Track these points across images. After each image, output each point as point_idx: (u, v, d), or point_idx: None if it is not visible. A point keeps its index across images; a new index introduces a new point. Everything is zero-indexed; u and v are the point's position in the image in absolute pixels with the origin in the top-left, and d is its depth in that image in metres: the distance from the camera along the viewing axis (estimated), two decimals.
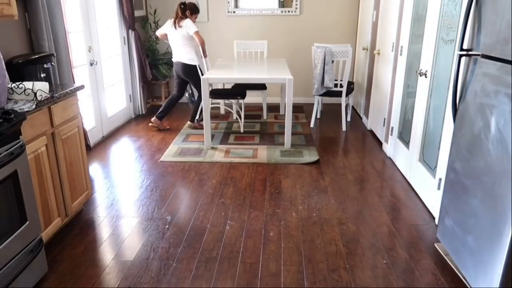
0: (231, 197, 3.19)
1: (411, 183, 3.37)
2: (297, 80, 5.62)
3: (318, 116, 5.44)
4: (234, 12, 5.89)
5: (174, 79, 4.96)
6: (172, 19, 4.60)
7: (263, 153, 4.10)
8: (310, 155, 4.02)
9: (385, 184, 3.42)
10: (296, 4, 5.79)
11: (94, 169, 3.78)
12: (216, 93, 4.69)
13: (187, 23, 4.50)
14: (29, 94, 2.33)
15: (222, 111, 5.61)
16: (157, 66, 5.75)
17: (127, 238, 2.65)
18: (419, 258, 2.42)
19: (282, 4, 5.84)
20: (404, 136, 3.60)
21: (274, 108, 5.82)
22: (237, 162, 3.89)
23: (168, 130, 4.89)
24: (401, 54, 3.68)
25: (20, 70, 2.78)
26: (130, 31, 5.17)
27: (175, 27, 4.56)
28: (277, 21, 5.90)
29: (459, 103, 2.27)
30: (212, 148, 4.27)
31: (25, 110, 2.18)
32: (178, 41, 4.61)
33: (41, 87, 2.42)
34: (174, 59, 4.76)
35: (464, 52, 2.17)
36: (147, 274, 2.29)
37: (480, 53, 2.06)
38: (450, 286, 2.19)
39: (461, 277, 2.23)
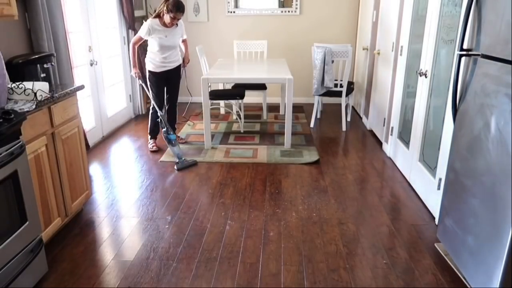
0: (231, 197, 3.19)
1: (411, 183, 3.37)
2: (297, 80, 5.62)
3: (318, 116, 5.44)
4: (234, 12, 5.88)
5: (157, 90, 4.08)
6: (157, 19, 3.89)
7: (263, 153, 4.10)
8: (310, 155, 4.02)
9: (385, 184, 3.42)
10: (296, 4, 5.79)
11: (94, 169, 3.77)
12: (215, 94, 4.68)
13: (182, 24, 4.08)
14: (29, 94, 2.33)
15: (222, 111, 5.61)
16: None
17: (127, 238, 2.65)
18: (419, 258, 2.42)
19: (282, 4, 5.84)
20: (404, 136, 3.60)
21: (274, 108, 5.82)
22: (237, 162, 3.89)
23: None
24: (401, 54, 3.68)
25: (20, 70, 2.78)
26: (130, 31, 5.17)
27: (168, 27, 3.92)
28: (277, 21, 5.90)
29: (459, 103, 2.27)
30: (212, 148, 4.26)
31: (25, 110, 2.18)
32: (175, 42, 4.06)
33: (41, 87, 2.42)
34: (166, 67, 4.04)
35: (464, 52, 2.17)
36: (147, 274, 2.29)
37: (480, 53, 2.06)
38: (450, 286, 2.19)
39: (461, 277, 2.23)
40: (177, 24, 4.00)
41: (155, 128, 4.24)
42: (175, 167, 3.75)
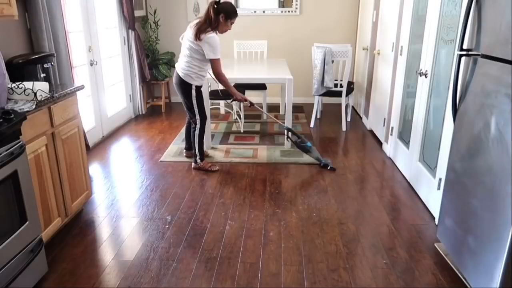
0: (231, 197, 3.19)
1: (411, 183, 3.37)
2: (297, 80, 5.62)
3: (318, 116, 5.43)
4: None
5: (202, 105, 3.69)
6: (215, 32, 3.43)
7: (263, 153, 4.10)
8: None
9: (385, 184, 3.42)
10: (296, 4, 5.79)
11: (94, 169, 3.77)
12: (215, 94, 4.68)
13: (209, 39, 3.34)
14: (29, 94, 2.33)
15: (222, 111, 5.61)
16: (157, 66, 5.74)
17: (127, 238, 2.65)
18: (419, 258, 2.42)
19: (282, 4, 5.84)
20: (404, 136, 3.60)
21: (274, 108, 5.82)
22: (237, 162, 3.89)
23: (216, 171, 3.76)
24: (401, 54, 3.68)
25: (20, 70, 2.78)
26: (130, 31, 5.17)
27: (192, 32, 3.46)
28: (277, 21, 5.90)
29: (459, 103, 2.27)
30: (212, 148, 4.26)
31: (25, 110, 2.18)
32: (185, 49, 3.56)
33: (41, 87, 2.42)
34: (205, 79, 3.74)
35: (464, 52, 2.17)
36: (147, 274, 2.29)
37: (480, 53, 2.06)
38: (450, 286, 2.19)
39: (461, 277, 2.23)
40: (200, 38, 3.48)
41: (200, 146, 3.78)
42: (328, 168, 3.72)
